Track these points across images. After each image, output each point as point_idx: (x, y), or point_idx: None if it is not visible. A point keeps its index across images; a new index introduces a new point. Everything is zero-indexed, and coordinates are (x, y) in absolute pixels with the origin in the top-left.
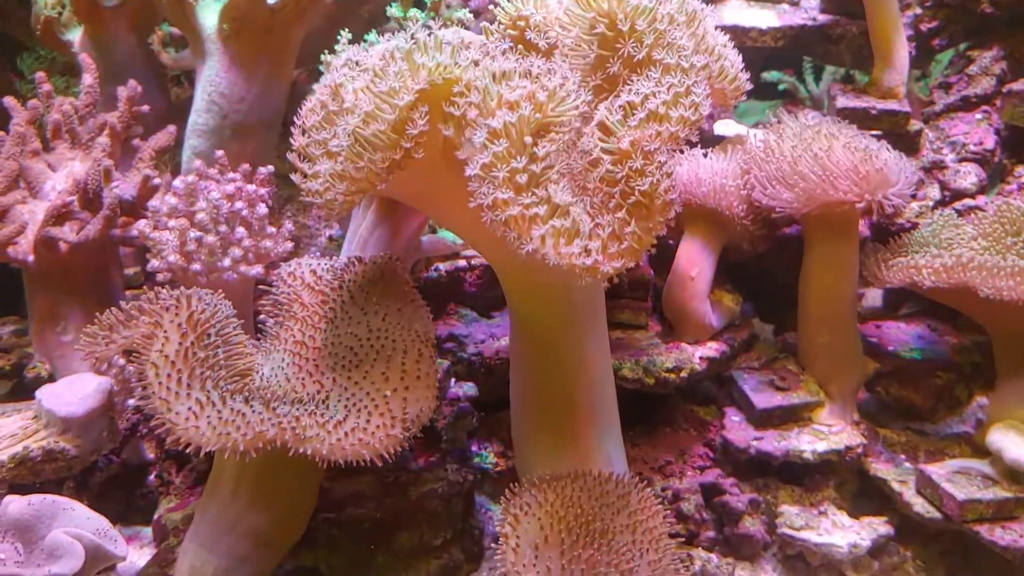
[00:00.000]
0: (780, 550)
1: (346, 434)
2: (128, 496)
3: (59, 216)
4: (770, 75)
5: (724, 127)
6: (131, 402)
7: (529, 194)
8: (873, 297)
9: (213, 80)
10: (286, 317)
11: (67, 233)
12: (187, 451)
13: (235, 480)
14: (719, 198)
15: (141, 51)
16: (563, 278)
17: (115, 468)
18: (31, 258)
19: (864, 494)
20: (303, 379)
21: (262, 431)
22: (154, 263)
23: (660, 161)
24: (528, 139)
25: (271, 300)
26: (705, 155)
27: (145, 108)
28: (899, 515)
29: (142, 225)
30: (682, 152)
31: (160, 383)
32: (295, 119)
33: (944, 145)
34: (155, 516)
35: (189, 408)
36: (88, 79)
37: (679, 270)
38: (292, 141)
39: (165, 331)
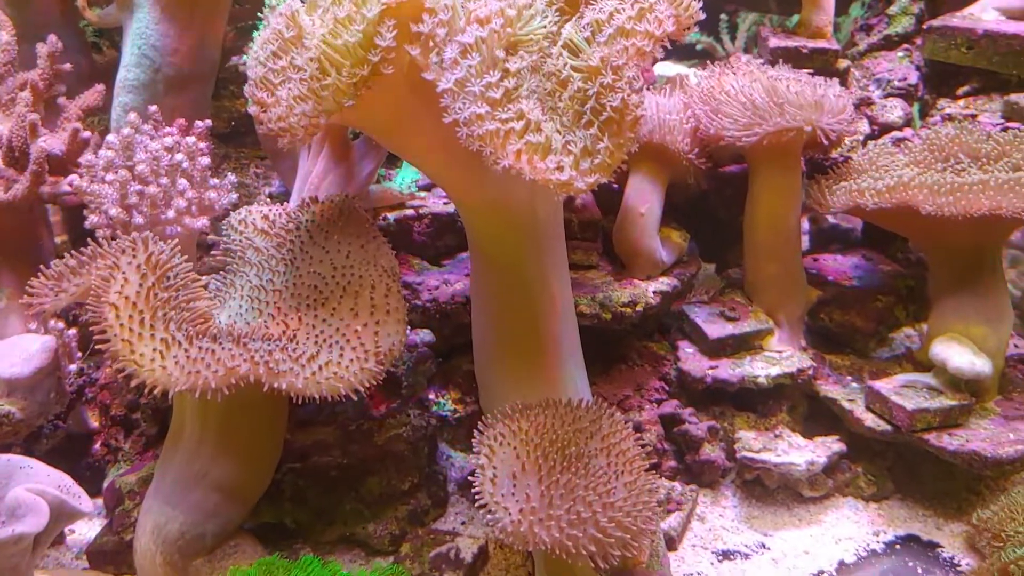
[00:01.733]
0: (738, 475)
1: (320, 368)
2: (73, 467)
3: None
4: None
5: (664, 68)
6: (72, 367)
7: (504, 109)
8: None
9: (143, 32)
10: (240, 264)
11: None
12: (153, 394)
13: (199, 430)
14: (663, 133)
15: (60, 7)
16: (528, 206)
17: (60, 436)
18: None
19: (815, 416)
20: (265, 321)
21: (234, 366)
22: (92, 219)
23: (629, 76)
24: (500, 53)
25: (222, 249)
26: (653, 93)
27: (67, 66)
28: (848, 433)
29: (77, 180)
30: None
31: (122, 324)
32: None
33: (870, 82)
34: (105, 484)
35: (154, 349)
36: (4, 36)
37: (629, 207)
38: (247, 74)
39: (124, 272)
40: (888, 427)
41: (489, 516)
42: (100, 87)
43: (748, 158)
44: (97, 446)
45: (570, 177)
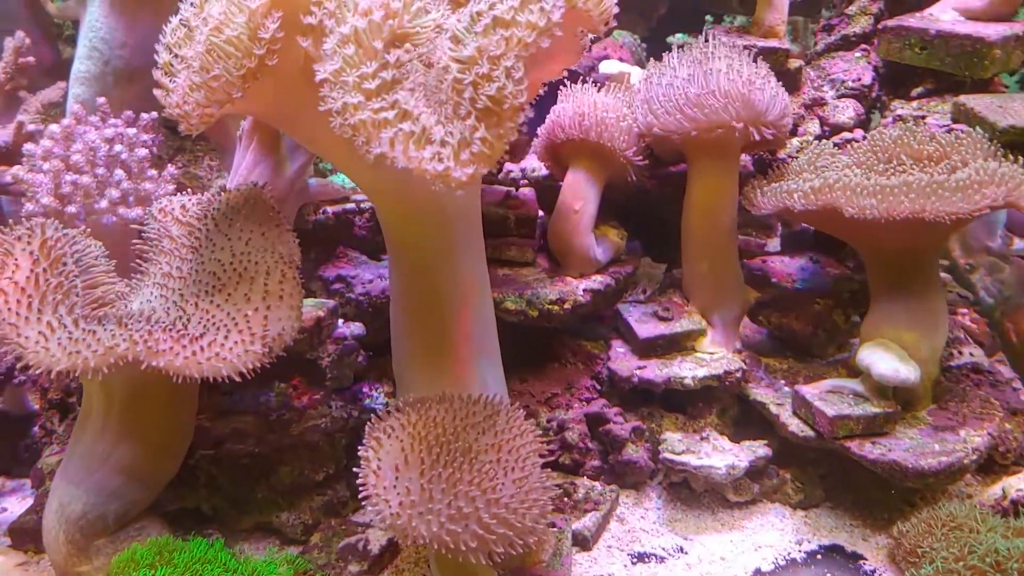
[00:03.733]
0: (665, 478)
1: (202, 349)
2: (12, 448)
3: None
4: (675, 38)
5: (608, 66)
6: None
7: (379, 99)
8: (773, 245)
9: (94, 25)
10: (156, 252)
11: None
12: (37, 375)
13: (103, 413)
14: (600, 131)
15: (26, 1)
16: (433, 199)
17: None
18: None
19: (745, 420)
20: (168, 309)
21: (113, 345)
22: (28, 206)
23: (507, 66)
24: (379, 44)
25: (143, 237)
26: (592, 91)
27: (31, 59)
28: (779, 439)
29: (16, 169)
30: (566, 84)
31: (9, 309)
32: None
33: (824, 83)
34: (36, 465)
35: (39, 332)
36: None
37: (563, 204)
38: (157, 59)
39: (16, 259)
40: (811, 433)
41: (371, 508)
42: (61, 84)
43: (686, 154)
44: (36, 428)
45: (446, 168)
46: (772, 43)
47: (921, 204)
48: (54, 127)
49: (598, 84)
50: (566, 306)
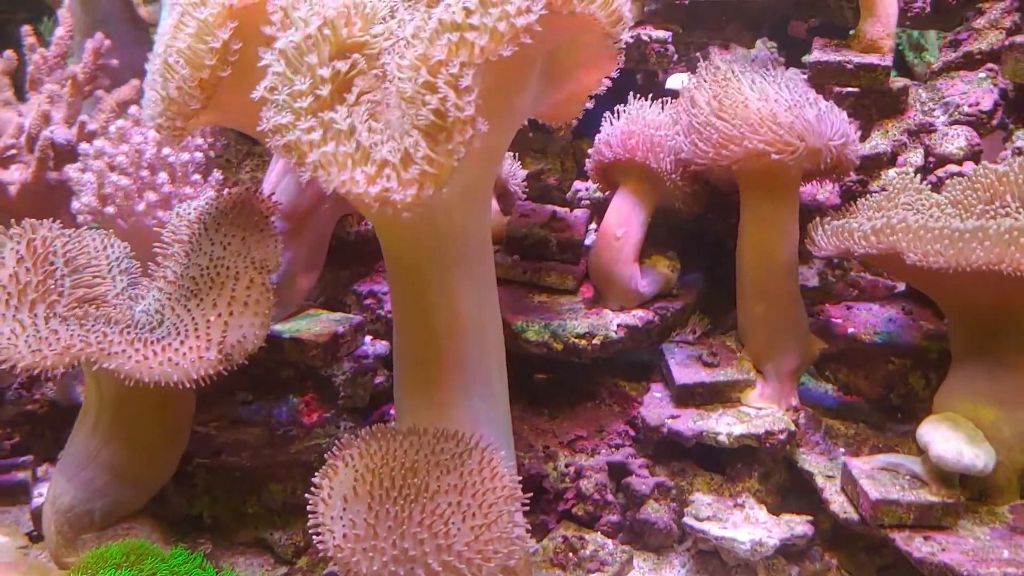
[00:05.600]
0: (694, 545)
1: (155, 353)
2: (57, 438)
3: (4, 160)
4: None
5: (674, 80)
6: None
7: (309, 118)
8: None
9: (161, 32)
10: (166, 256)
11: (9, 174)
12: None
13: (96, 411)
14: (646, 151)
15: (123, 5)
16: (424, 217)
17: (30, 404)
18: None
19: (796, 490)
20: (156, 312)
21: (69, 345)
22: (74, 204)
23: (451, 74)
24: (313, 59)
25: (162, 241)
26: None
27: (114, 62)
28: (832, 518)
29: (70, 167)
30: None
31: None
32: None
33: (937, 107)
34: None
35: (11, 329)
36: (60, 31)
37: (605, 229)
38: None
39: (2, 258)
40: (855, 516)
41: (316, 538)
42: (135, 82)
43: (738, 183)
44: None
45: (383, 189)
46: (871, 59)
47: (998, 254)
48: (112, 127)
49: (662, 102)
50: (595, 341)
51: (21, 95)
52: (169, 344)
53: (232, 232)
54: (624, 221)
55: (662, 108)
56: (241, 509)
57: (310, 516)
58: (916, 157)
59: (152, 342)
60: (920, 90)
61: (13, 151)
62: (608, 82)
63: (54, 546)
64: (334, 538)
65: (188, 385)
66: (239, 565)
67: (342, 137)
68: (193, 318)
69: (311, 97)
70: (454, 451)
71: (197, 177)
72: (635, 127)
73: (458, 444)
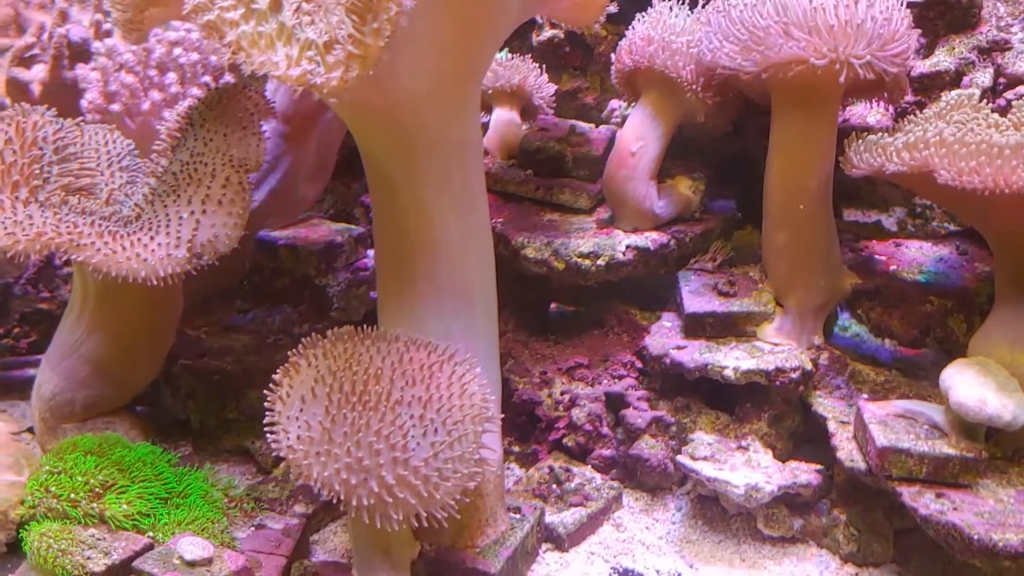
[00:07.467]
0: (694, 489)
1: (123, 248)
2: None
3: (27, 60)
4: None
5: None
6: None
7: None
8: None
9: None
10: (160, 153)
11: (30, 73)
12: None
13: (80, 304)
14: (664, 58)
15: None
16: (384, 113)
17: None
18: (7, 101)
19: (810, 438)
20: (134, 208)
21: (41, 232)
22: (82, 102)
23: None
24: None
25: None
26: (666, 11)
27: None
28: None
29: (81, 66)
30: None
31: None
32: None
33: (1016, 21)
34: None
35: None
36: None
37: (620, 144)
38: None
39: None
40: (862, 465)
41: (270, 436)
42: None
43: (772, 97)
44: None
45: (304, 72)
46: None
47: None
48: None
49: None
50: (599, 262)
51: None
52: (139, 239)
53: (215, 128)
54: (642, 135)
55: (691, 11)
56: (223, 414)
57: (266, 414)
58: (984, 77)
59: (122, 236)
60: (998, 3)
61: (37, 50)
62: None
63: (38, 431)
64: (288, 439)
65: (155, 282)
66: (222, 472)
67: (262, 16)
68: (167, 214)
69: None
70: (424, 362)
71: (207, 79)
72: (654, 32)
73: (429, 355)
